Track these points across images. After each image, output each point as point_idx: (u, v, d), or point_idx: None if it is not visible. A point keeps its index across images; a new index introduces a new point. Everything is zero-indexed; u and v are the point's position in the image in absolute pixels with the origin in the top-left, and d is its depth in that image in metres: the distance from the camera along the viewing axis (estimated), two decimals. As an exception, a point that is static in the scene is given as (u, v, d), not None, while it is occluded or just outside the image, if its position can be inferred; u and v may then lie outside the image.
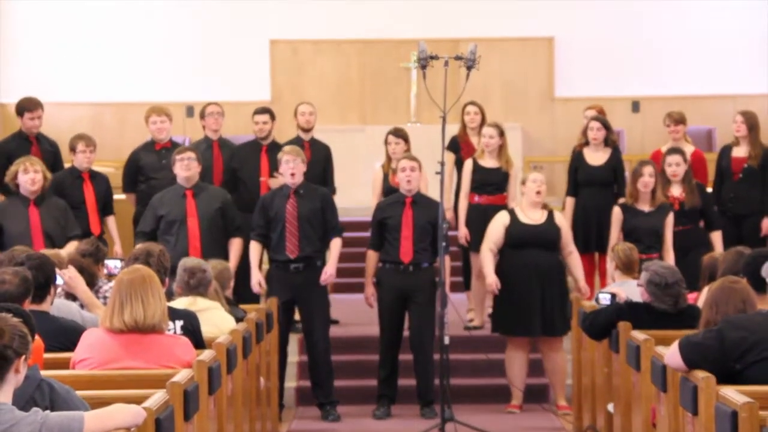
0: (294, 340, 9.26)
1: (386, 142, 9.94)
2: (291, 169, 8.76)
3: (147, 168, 9.81)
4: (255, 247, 8.83)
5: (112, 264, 7.39)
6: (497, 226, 8.96)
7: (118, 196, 10.14)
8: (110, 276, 7.31)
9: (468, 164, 9.91)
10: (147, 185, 9.71)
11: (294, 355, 9.36)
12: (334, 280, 8.88)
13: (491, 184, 9.80)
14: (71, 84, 15.05)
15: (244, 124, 10.55)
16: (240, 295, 8.80)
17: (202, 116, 10.33)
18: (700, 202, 9.51)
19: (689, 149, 10.22)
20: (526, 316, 8.79)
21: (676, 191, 9.51)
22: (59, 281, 6.26)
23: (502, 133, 9.84)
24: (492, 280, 8.88)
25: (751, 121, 10.07)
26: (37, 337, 4.92)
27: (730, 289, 5.47)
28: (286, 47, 15.37)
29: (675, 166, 9.49)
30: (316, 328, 8.77)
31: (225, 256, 8.62)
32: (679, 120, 10.22)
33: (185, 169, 8.84)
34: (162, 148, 9.83)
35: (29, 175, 8.81)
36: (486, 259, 8.98)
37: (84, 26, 15.20)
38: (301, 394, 9.34)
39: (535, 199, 8.91)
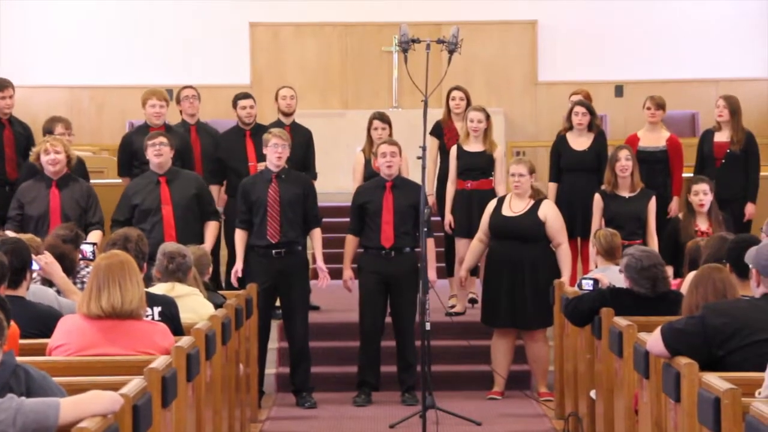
0: (274, 327, 9.21)
1: (371, 127, 9.87)
2: (278, 153, 8.69)
3: (140, 152, 9.68)
4: (240, 235, 8.77)
5: (86, 248, 7.32)
6: (485, 215, 8.97)
7: (103, 180, 10.05)
8: (84, 260, 7.24)
9: (453, 150, 9.86)
10: (141, 170, 9.57)
11: (274, 342, 9.31)
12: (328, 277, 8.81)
13: (477, 169, 9.75)
14: (48, 67, 14.95)
15: (225, 109, 10.49)
16: (224, 280, 8.76)
17: (178, 100, 10.25)
18: None
19: (665, 134, 10.19)
20: (498, 308, 8.80)
21: (703, 225, 9.01)
22: (35, 267, 6.18)
23: (488, 117, 9.80)
24: (462, 274, 9.03)
25: (733, 106, 10.04)
26: (12, 322, 4.87)
27: (711, 276, 5.46)
28: (267, 30, 15.29)
29: (702, 195, 9.01)
30: (297, 315, 8.72)
31: (201, 242, 8.55)
32: (660, 104, 10.17)
33: (156, 154, 8.74)
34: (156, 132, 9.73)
35: (50, 156, 8.61)
36: (470, 249, 9.00)
37: (60, 8, 15.09)
38: (280, 380, 9.29)
39: (514, 191, 8.87)
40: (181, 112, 10.26)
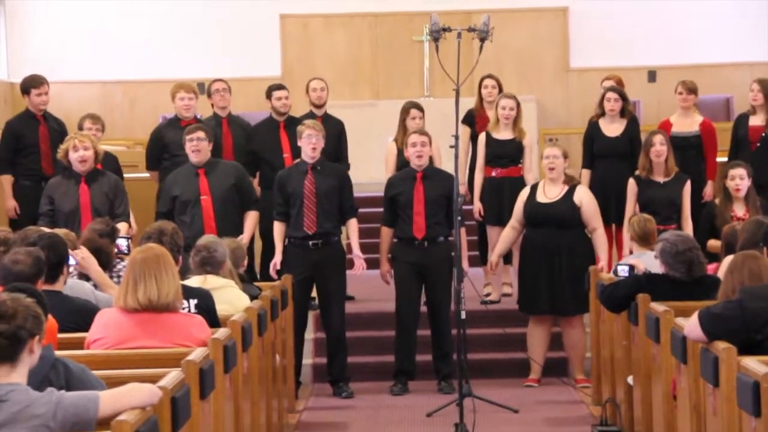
0: (310, 317, 9.22)
1: (408, 116, 9.84)
2: (312, 144, 8.70)
3: (172, 145, 9.73)
4: (278, 228, 8.79)
5: (121, 242, 7.35)
6: (519, 202, 8.98)
7: (136, 174, 10.09)
8: (120, 254, 7.27)
9: (482, 138, 9.84)
10: (171, 162, 9.62)
11: (310, 332, 9.33)
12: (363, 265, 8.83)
13: (505, 157, 9.73)
14: (80, 63, 15.01)
15: (256, 100, 10.51)
16: (259, 272, 8.77)
17: (209, 94, 10.28)
18: None
19: (698, 119, 10.13)
20: (537, 294, 8.79)
21: (740, 210, 8.87)
22: (72, 262, 6.22)
23: (518, 104, 9.78)
24: (493, 259, 9.06)
25: (767, 89, 9.97)
26: (50, 316, 4.90)
27: (746, 264, 5.43)
28: (297, 22, 15.29)
29: (739, 180, 8.87)
30: (333, 305, 8.74)
31: (242, 231, 8.58)
32: (692, 89, 10.10)
33: (194, 150, 8.76)
34: (187, 124, 9.74)
35: (78, 153, 8.62)
36: (502, 236, 9.00)
37: (93, 4, 15.13)
38: (317, 371, 9.31)
39: (549, 175, 8.86)
40: (212, 105, 10.29)
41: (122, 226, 8.51)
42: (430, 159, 9.02)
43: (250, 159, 9.85)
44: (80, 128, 9.52)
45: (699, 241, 7.24)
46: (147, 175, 10.18)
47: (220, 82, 10.29)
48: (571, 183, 8.92)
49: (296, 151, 9.60)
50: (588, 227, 8.87)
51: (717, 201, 9.09)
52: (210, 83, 10.37)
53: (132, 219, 8.89)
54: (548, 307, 8.80)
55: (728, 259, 6.41)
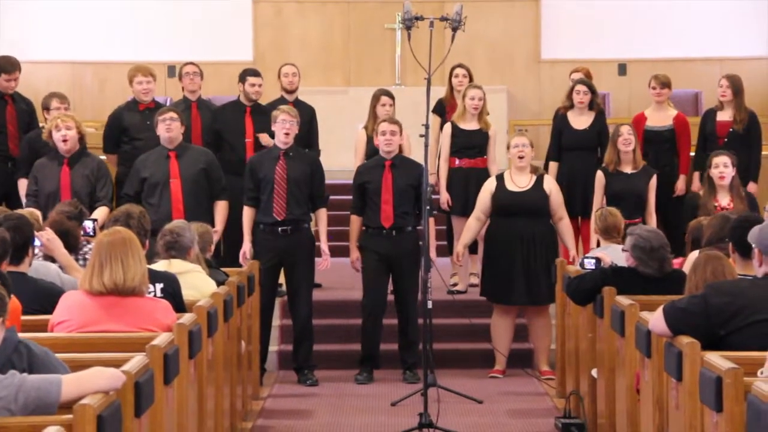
0: (276, 304, 9.20)
1: (378, 103, 9.83)
2: (286, 129, 8.69)
3: (131, 128, 9.69)
4: (248, 213, 8.76)
5: (87, 224, 7.32)
6: (484, 193, 8.92)
7: (103, 156, 10.01)
8: (86, 236, 7.24)
9: (447, 128, 9.83)
10: (131, 146, 9.60)
11: (276, 319, 9.31)
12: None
13: (473, 147, 9.73)
14: (50, 42, 14.89)
15: (228, 85, 10.46)
16: (229, 258, 8.74)
17: (180, 77, 10.23)
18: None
19: (672, 113, 10.17)
20: (511, 285, 8.77)
21: (724, 200, 8.79)
22: (37, 243, 6.18)
23: (484, 95, 9.79)
24: (458, 250, 9.00)
25: (736, 85, 10.02)
26: (14, 298, 4.87)
27: (710, 263, 5.47)
28: (269, 7, 15.23)
29: (723, 167, 8.78)
30: (301, 292, 8.73)
31: (210, 218, 8.56)
32: (665, 83, 10.14)
33: (167, 129, 8.76)
34: (146, 108, 9.71)
35: (60, 133, 8.60)
36: (467, 228, 8.97)
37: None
38: (282, 357, 9.30)
39: (518, 164, 8.86)
40: (182, 88, 10.24)
41: (103, 210, 8.48)
42: (400, 148, 9.02)
43: (211, 139, 9.79)
44: (47, 107, 9.46)
45: (682, 232, 7.21)
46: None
47: (191, 65, 10.24)
48: (537, 172, 8.95)
49: (259, 138, 9.59)
50: (554, 216, 8.90)
51: (701, 191, 9.06)
52: (181, 66, 10.32)
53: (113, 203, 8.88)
54: (524, 296, 8.79)
55: (694, 254, 6.44)
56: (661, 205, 9.55)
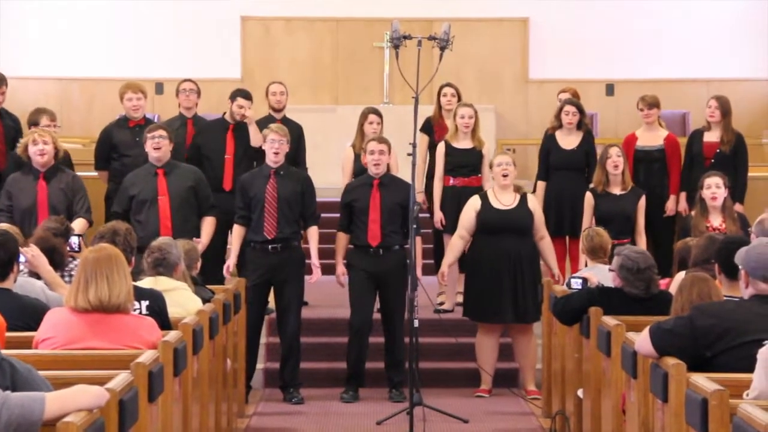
0: (263, 322, 9.17)
1: (366, 121, 9.84)
2: (276, 149, 8.70)
3: (121, 145, 9.70)
4: (238, 231, 8.79)
5: (72, 240, 7.29)
6: (468, 211, 8.90)
7: (92, 172, 10.02)
8: (71, 252, 7.21)
9: (441, 147, 9.85)
10: (120, 163, 9.61)
11: (263, 337, 9.29)
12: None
13: (466, 166, 9.74)
14: (37, 58, 14.87)
15: (216, 102, 10.47)
16: (212, 275, 8.73)
17: (177, 93, 10.23)
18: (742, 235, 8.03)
19: (663, 133, 10.20)
20: (498, 303, 8.75)
21: (716, 221, 8.70)
22: (21, 259, 6.15)
23: (476, 113, 9.80)
24: (443, 270, 8.97)
25: (724, 107, 10.05)
26: (-2, 315, 4.85)
27: (696, 284, 5.47)
28: (258, 24, 15.25)
29: (715, 188, 8.70)
30: (290, 310, 8.72)
31: (197, 235, 8.54)
32: (652, 104, 10.16)
33: (156, 147, 8.75)
34: (136, 125, 9.72)
35: (38, 147, 8.59)
36: (452, 247, 8.95)
37: (52, 1, 15.01)
38: (268, 375, 9.28)
39: (502, 182, 8.86)
40: (179, 105, 10.24)
41: (81, 223, 8.48)
42: (388, 166, 9.02)
43: (192, 154, 9.78)
44: (34, 123, 9.45)
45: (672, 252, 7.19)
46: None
47: (189, 82, 10.24)
48: (520, 191, 8.96)
49: (240, 155, 9.59)
50: (537, 235, 8.91)
51: (693, 212, 9.05)
52: (179, 83, 10.32)
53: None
54: (511, 314, 8.78)
55: (680, 275, 6.44)
56: (651, 225, 9.57)
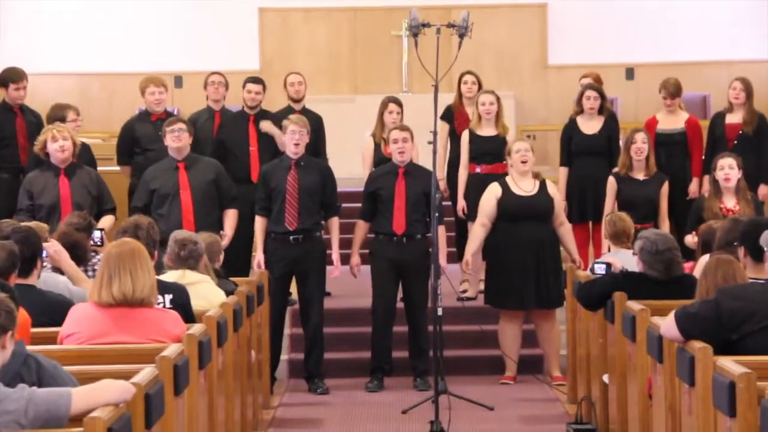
0: (286, 313, 9.19)
1: (386, 110, 9.83)
2: (296, 140, 8.70)
3: (143, 139, 9.72)
4: (260, 223, 8.78)
5: (95, 234, 7.31)
6: (489, 198, 8.86)
7: (112, 167, 10.04)
8: (94, 246, 7.23)
9: (465, 135, 9.83)
10: (144, 157, 9.62)
11: (286, 328, 9.30)
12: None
13: (490, 153, 9.70)
14: (57, 54, 14.90)
15: (234, 94, 10.44)
16: (236, 267, 8.74)
17: (205, 86, 10.24)
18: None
19: (684, 116, 10.15)
20: (520, 289, 8.72)
21: (730, 202, 8.61)
22: (43, 255, 6.17)
23: (498, 99, 9.77)
24: (466, 258, 8.88)
25: (749, 88, 10.04)
26: (23, 311, 4.87)
27: (720, 267, 5.43)
28: (276, 15, 15.23)
29: (728, 169, 8.59)
30: (313, 301, 8.72)
31: (219, 229, 8.55)
32: (675, 94, 10.08)
33: (176, 140, 8.75)
34: (158, 119, 9.73)
35: (58, 143, 8.58)
36: (475, 236, 8.90)
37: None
38: (292, 366, 9.29)
39: (522, 168, 8.82)
40: (207, 97, 10.25)
41: (109, 220, 8.51)
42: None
43: (217, 150, 9.79)
44: (60, 119, 9.45)
45: (685, 235, 7.18)
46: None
47: (217, 75, 10.26)
48: (539, 177, 8.92)
49: (263, 146, 9.59)
50: (557, 221, 8.87)
51: (706, 194, 9.00)
52: (207, 75, 10.34)
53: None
54: (534, 300, 8.76)
55: (705, 258, 6.41)
56: (674, 209, 9.52)
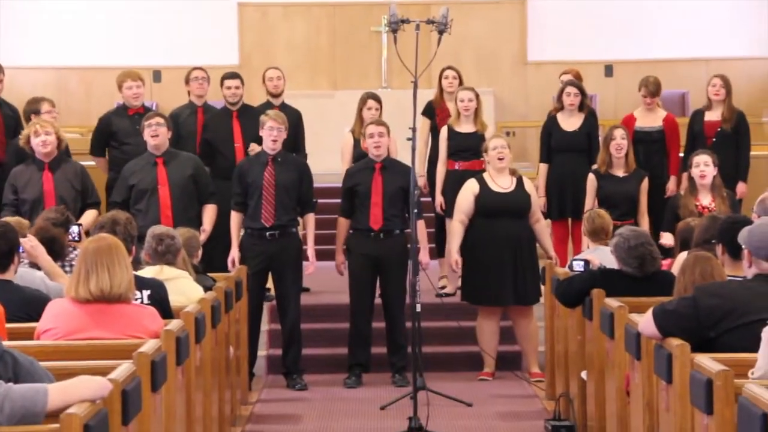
0: (264, 309, 9.17)
1: (365, 107, 9.81)
2: (273, 136, 8.67)
3: (120, 133, 9.69)
4: (235, 218, 8.75)
5: (72, 229, 7.28)
6: (466, 195, 8.85)
7: (90, 162, 10.00)
8: (71, 242, 7.20)
9: (443, 131, 9.82)
10: (120, 151, 9.60)
11: (264, 324, 9.28)
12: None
13: (468, 150, 9.70)
14: (35, 48, 14.83)
15: (212, 89, 10.41)
16: (214, 263, 8.72)
17: (187, 81, 10.19)
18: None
19: (662, 114, 10.18)
20: (498, 286, 8.72)
21: (705, 199, 8.64)
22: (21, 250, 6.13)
23: (477, 96, 9.77)
24: (455, 257, 8.83)
25: (728, 85, 10.08)
26: (-1, 306, 4.83)
27: (699, 264, 5.45)
28: (255, 10, 15.21)
29: (704, 166, 8.61)
30: (289, 297, 8.70)
31: (197, 224, 8.52)
32: (655, 92, 10.11)
33: (153, 135, 8.72)
34: (135, 113, 9.69)
35: (40, 138, 8.55)
36: (455, 233, 8.88)
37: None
38: (271, 362, 9.27)
39: (499, 165, 8.82)
40: (189, 93, 10.21)
41: (92, 214, 8.47)
42: (387, 150, 8.99)
43: (204, 149, 9.78)
44: (36, 112, 9.40)
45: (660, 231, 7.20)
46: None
47: (199, 70, 10.21)
48: (515, 174, 8.92)
49: (248, 141, 9.57)
50: (533, 217, 8.88)
51: (682, 191, 9.02)
52: (189, 71, 10.29)
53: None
54: (512, 297, 8.76)
55: (683, 256, 6.43)
56: (651, 207, 9.54)
